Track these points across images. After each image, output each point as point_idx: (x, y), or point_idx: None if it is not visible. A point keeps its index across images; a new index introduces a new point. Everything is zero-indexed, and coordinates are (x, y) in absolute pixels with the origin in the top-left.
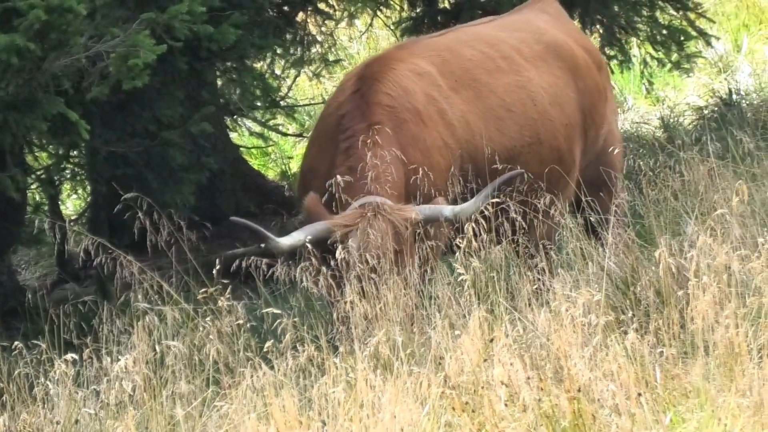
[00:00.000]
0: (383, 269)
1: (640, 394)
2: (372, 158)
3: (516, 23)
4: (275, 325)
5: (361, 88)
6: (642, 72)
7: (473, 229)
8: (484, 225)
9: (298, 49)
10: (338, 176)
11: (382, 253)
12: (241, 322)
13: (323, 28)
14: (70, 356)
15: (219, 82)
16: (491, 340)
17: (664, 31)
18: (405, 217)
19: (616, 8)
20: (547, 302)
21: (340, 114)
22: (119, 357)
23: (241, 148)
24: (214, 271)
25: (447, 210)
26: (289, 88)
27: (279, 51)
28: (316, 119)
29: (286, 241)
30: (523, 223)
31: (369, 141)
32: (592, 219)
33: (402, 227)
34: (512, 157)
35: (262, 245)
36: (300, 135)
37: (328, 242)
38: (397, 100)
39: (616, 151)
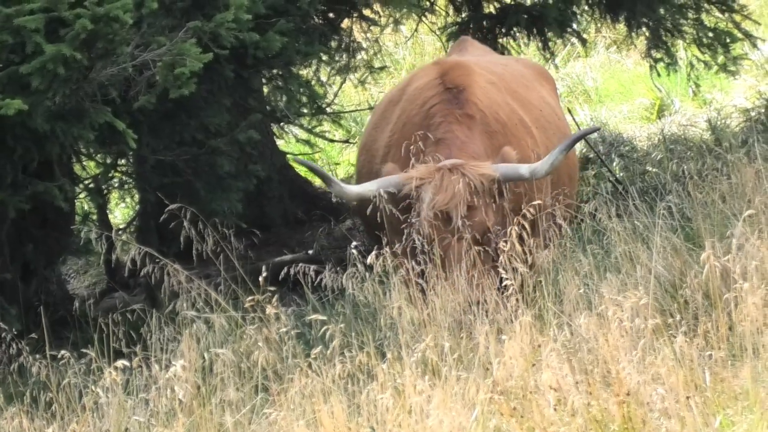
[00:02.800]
0: (456, 225)
1: (689, 398)
2: (460, 134)
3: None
4: (322, 331)
5: (452, 89)
6: (688, 74)
7: (516, 232)
8: (529, 230)
9: (344, 55)
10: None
11: (454, 208)
12: (288, 329)
13: (368, 35)
14: (120, 363)
15: (265, 90)
16: (539, 345)
17: (710, 34)
18: (481, 173)
19: (662, 11)
20: (594, 306)
21: (428, 107)
22: (168, 365)
23: (288, 155)
24: (261, 279)
25: (524, 168)
26: (335, 95)
27: (325, 58)
28: (380, 119)
29: (355, 188)
30: (568, 229)
31: (464, 125)
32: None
33: (478, 183)
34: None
35: (329, 190)
36: (346, 141)
37: (399, 195)
38: (487, 110)
39: None
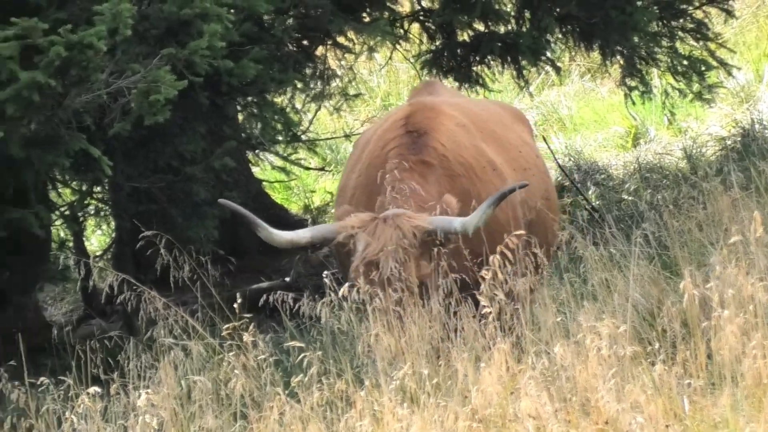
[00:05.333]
0: (385, 276)
1: (668, 426)
2: (411, 182)
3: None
4: (300, 358)
5: (415, 131)
6: (664, 103)
7: (498, 261)
8: (510, 257)
9: (318, 83)
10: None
11: (385, 259)
12: (265, 356)
13: (343, 62)
14: (93, 389)
15: (240, 117)
16: (519, 371)
17: (685, 62)
18: (415, 224)
19: (636, 39)
20: (572, 334)
21: (387, 150)
22: (146, 392)
23: (264, 182)
24: (235, 305)
25: (456, 222)
26: (310, 122)
27: (299, 85)
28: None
29: (286, 235)
30: (545, 259)
31: (416, 173)
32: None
33: (409, 234)
34: (533, 209)
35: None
36: (322, 169)
37: (333, 244)
38: (450, 152)
39: None
